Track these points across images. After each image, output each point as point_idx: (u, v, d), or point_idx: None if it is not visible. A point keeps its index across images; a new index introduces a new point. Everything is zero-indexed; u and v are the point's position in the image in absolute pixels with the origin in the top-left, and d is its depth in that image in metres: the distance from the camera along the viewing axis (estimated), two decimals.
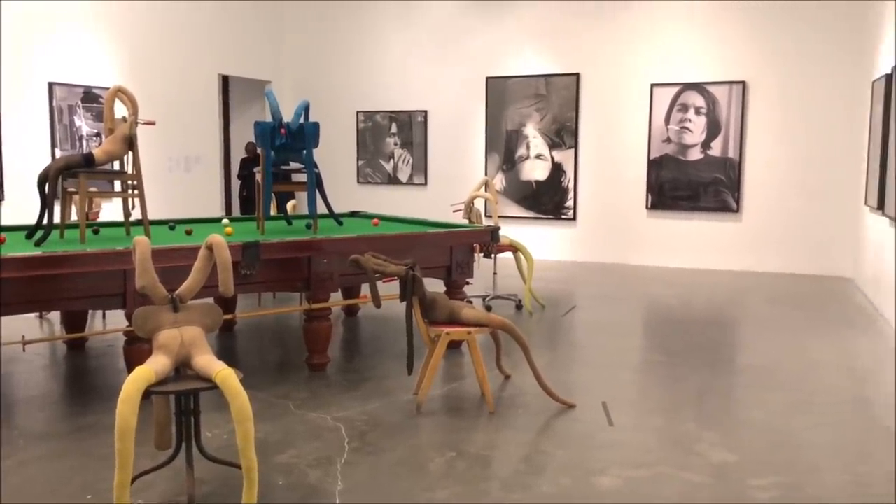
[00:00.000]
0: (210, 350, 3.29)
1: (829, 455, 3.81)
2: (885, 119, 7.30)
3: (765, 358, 5.66)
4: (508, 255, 7.70)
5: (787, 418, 4.34)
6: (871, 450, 3.90)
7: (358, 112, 11.93)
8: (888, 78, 7.21)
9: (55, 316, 6.80)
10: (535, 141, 10.80)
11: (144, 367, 3.05)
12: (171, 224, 6.21)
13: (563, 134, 10.64)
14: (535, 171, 10.85)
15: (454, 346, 5.71)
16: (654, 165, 10.13)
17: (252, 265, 4.84)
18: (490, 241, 6.09)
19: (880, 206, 7.28)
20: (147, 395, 3.03)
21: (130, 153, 5.18)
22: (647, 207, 10.25)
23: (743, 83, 9.63)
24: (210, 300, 4.42)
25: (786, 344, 6.08)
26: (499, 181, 11.02)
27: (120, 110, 7.73)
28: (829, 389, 4.89)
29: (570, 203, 10.69)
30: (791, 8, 9.36)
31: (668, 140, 10.04)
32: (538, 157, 10.81)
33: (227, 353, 5.88)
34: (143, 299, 4.01)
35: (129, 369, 4.40)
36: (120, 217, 6.32)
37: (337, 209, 7.10)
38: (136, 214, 5.83)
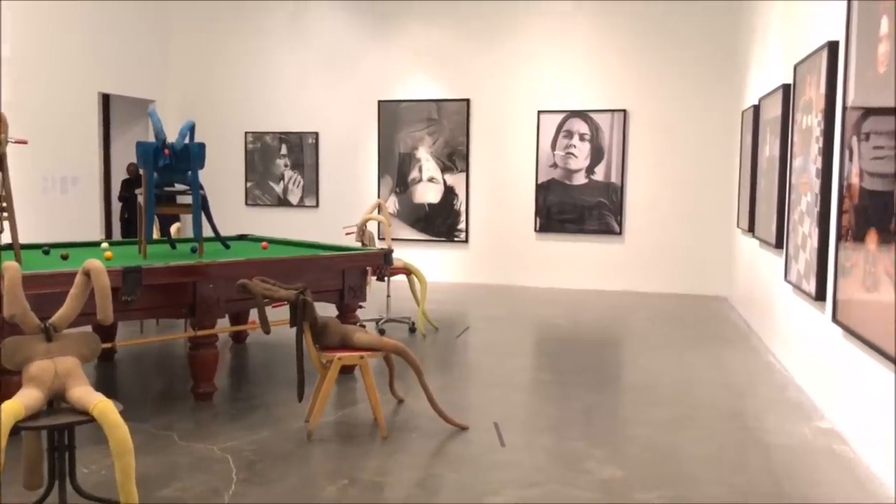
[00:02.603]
0: (87, 381, 3.14)
1: (709, 467, 3.98)
2: (753, 147, 7.78)
3: (648, 375, 5.88)
4: (402, 277, 7.70)
5: (670, 433, 4.52)
6: (746, 461, 4.11)
7: (246, 133, 11.70)
8: (755, 108, 7.70)
9: None
10: (428, 164, 10.90)
11: (12, 401, 2.88)
12: (46, 248, 5.89)
13: (455, 158, 10.78)
14: (428, 194, 10.94)
15: (347, 370, 5.64)
16: (542, 189, 10.40)
17: (133, 291, 4.65)
18: (383, 264, 6.08)
19: (751, 228, 7.73)
20: (16, 431, 2.86)
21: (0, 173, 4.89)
22: (535, 230, 10.51)
23: (624, 111, 10.06)
24: (88, 328, 4.21)
25: (668, 361, 6.33)
26: (392, 204, 11.03)
27: None
28: (707, 404, 5.12)
29: (462, 226, 10.82)
30: (668, 41, 9.87)
31: (555, 165, 10.34)
32: (430, 180, 10.91)
33: (106, 383, 5.61)
34: (12, 328, 3.77)
35: None
36: None
37: (224, 232, 6.91)
38: (5, 238, 5.49)
